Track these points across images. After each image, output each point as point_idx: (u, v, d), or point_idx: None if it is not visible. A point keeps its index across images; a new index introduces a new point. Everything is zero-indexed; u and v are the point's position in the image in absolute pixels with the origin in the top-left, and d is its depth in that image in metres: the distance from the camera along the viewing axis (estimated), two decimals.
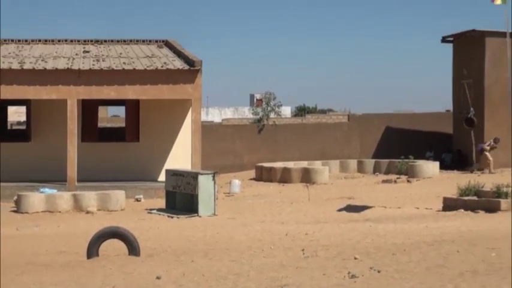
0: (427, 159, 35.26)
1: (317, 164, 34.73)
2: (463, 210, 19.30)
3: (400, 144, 36.88)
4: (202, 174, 22.08)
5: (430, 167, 31.80)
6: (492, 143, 31.85)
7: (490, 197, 19.21)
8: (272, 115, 39.53)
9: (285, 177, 32.13)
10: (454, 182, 24.13)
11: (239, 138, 37.96)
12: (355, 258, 11.58)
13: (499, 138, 31.86)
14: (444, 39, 36.75)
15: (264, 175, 33.25)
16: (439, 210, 20.34)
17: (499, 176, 27.19)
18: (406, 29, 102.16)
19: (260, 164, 34.45)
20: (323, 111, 59.69)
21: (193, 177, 22.02)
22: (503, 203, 18.61)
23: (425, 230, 15.71)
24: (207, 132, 33.93)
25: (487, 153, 31.51)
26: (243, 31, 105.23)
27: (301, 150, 37.97)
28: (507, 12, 20.22)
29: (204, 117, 47.12)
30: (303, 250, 12.89)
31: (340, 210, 21.80)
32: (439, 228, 15.98)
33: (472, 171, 31.30)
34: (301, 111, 59.10)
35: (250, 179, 33.63)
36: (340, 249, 12.91)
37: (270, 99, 40.22)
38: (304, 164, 34.75)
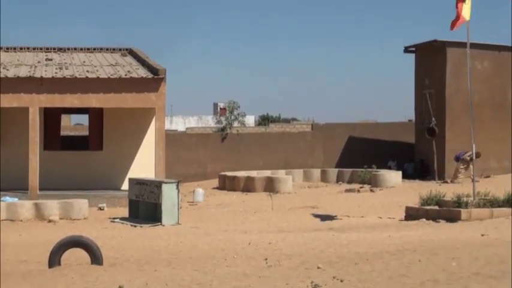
0: (390, 168, 35.53)
1: (280, 173, 34.83)
2: (424, 220, 19.43)
3: (363, 154, 37.13)
4: (165, 183, 22.02)
5: (392, 177, 32.02)
6: (471, 155, 31.54)
7: (451, 206, 19.38)
8: (236, 124, 39.58)
9: (248, 186, 32.17)
10: (416, 191, 24.30)
11: (203, 147, 37.95)
12: (318, 268, 11.62)
13: (480, 153, 31.86)
14: (406, 49, 37.04)
15: (227, 184, 33.26)
16: (401, 220, 20.47)
17: (460, 186, 27.44)
18: (369, 38, 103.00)
19: (223, 173, 34.47)
20: (287, 121, 59.88)
21: (156, 186, 21.96)
22: (464, 212, 18.78)
23: (387, 240, 15.80)
24: (171, 141, 33.88)
25: (460, 164, 31.25)
26: (208, 39, 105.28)
27: (265, 159, 38.05)
28: (468, 23, 20.37)
29: (168, 126, 47.02)
30: (266, 259, 12.91)
31: (307, 218, 21.89)
32: (401, 237, 16.08)
33: (452, 182, 31.17)
34: (264, 120, 59.27)
35: (214, 188, 33.64)
36: (303, 259, 12.95)
37: (234, 108, 40.28)
38: (267, 173, 34.84)
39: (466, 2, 19.85)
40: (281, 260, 12.78)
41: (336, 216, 22.00)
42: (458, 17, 19.94)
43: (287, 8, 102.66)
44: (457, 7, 19.93)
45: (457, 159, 31.47)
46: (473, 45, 28.61)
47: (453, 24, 20.10)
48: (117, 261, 13.44)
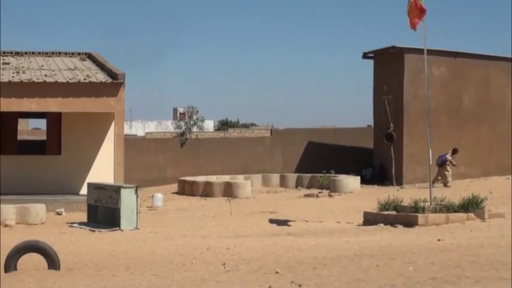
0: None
1: (239, 178, 34.86)
2: (382, 225, 19.58)
3: (322, 159, 37.30)
4: (124, 187, 21.95)
5: (351, 182, 32.21)
6: (451, 155, 31.49)
7: (408, 211, 19.57)
8: (195, 129, 39.55)
9: (207, 191, 32.17)
10: (374, 196, 24.49)
11: (162, 152, 37.85)
12: (277, 273, 11.66)
13: (457, 148, 31.84)
14: (365, 55, 37.27)
15: (186, 189, 33.23)
16: (359, 225, 20.61)
17: (417, 191, 27.68)
18: (328, 44, 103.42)
19: (183, 178, 34.42)
20: (246, 126, 59.94)
21: (115, 190, 21.88)
22: (421, 217, 18.97)
23: (346, 244, 15.90)
24: (130, 145, 33.77)
25: (448, 165, 31.20)
26: (167, 44, 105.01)
27: (224, 165, 38.06)
28: (425, 29, 20.61)
29: (127, 131, 46.93)
30: (224, 264, 12.94)
31: (265, 223, 21.95)
32: (359, 242, 16.19)
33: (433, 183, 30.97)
34: (224, 125, 59.28)
35: (173, 193, 33.57)
36: (261, 263, 12.99)
37: (193, 113, 40.24)
38: (226, 178, 34.85)
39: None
40: (239, 265, 12.81)
41: (294, 221, 22.08)
42: (415, 16, 20.15)
43: (247, 12, 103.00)
44: (414, 8, 20.16)
45: (442, 163, 31.11)
46: (431, 52, 28.89)
47: (413, 23, 20.29)
48: (74, 266, 13.37)
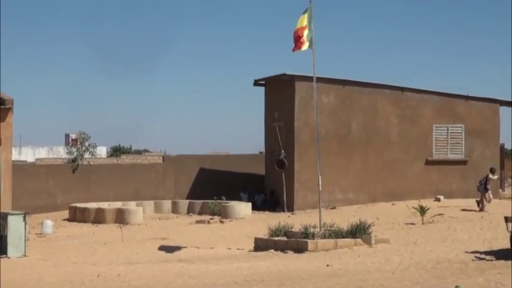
0: (241, 200, 35.90)
1: (131, 205, 34.65)
2: (273, 251, 19.81)
3: (214, 185, 37.43)
4: (12, 214, 21.58)
5: (242, 208, 32.44)
6: (492, 175, 31.11)
7: (298, 237, 19.85)
8: (87, 155, 39.13)
9: (99, 217, 31.87)
10: (265, 222, 24.73)
11: (53, 178, 37.28)
12: None
13: (494, 168, 31.58)
14: (256, 83, 37.66)
15: (77, 216, 32.82)
16: (250, 251, 20.79)
17: (307, 217, 28.10)
18: (220, 71, 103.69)
19: (74, 205, 33.99)
20: (139, 152, 59.57)
21: (2, 217, 21.49)
22: (310, 243, 19.28)
23: (236, 270, 16.05)
24: (19, 171, 33.17)
25: (489, 187, 30.68)
26: (57, 68, 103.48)
27: (116, 191, 37.77)
28: (314, 57, 21.10)
29: (16, 157, 46.01)
30: None
31: (157, 250, 21.89)
32: (249, 268, 16.36)
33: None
34: (116, 151, 58.76)
35: (64, 220, 33.11)
36: None
37: (85, 139, 39.82)
38: (118, 204, 34.59)
39: (306, 33, 20.66)
40: None
41: (186, 247, 22.11)
42: (298, 39, 20.72)
43: (134, 41, 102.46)
44: (296, 33, 20.73)
45: (485, 187, 30.59)
46: (320, 80, 29.52)
47: (296, 47, 20.87)
48: None
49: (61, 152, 51.37)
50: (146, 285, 13.97)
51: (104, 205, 33.93)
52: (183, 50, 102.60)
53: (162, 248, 22.50)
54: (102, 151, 52.55)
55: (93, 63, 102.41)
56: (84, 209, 32.85)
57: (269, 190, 36.47)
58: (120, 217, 31.20)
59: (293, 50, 21.08)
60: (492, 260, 15.99)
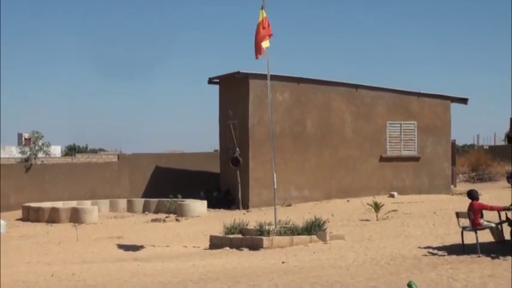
0: (201, 198, 35.79)
1: (86, 204, 34.47)
2: (228, 248, 19.88)
3: (170, 184, 37.37)
4: None
5: (198, 206, 32.44)
6: None
7: (253, 234, 19.95)
8: (41, 154, 38.84)
9: (53, 217, 31.66)
10: (221, 220, 24.78)
11: (5, 178, 36.92)
12: None
13: None
14: (211, 81, 37.68)
15: (31, 215, 32.57)
16: (206, 249, 20.83)
17: (263, 214, 28.19)
18: (175, 70, 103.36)
19: (27, 204, 33.72)
20: (94, 151, 59.33)
21: None
22: (266, 240, 19.38)
23: (191, 268, 16.09)
24: None
25: None
26: (9, 67, 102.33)
27: (71, 190, 37.55)
28: (268, 54, 21.16)
29: None
30: None
31: (112, 249, 21.82)
32: (205, 266, 16.42)
33: None
34: (71, 150, 58.43)
35: (17, 220, 32.83)
36: None
37: (38, 139, 39.51)
38: (73, 203, 34.39)
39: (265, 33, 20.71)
40: None
41: (141, 246, 22.08)
42: (259, 45, 20.74)
43: (94, 32, 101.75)
44: (257, 36, 20.75)
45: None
46: (274, 77, 29.62)
47: (257, 53, 20.88)
48: None
49: (14, 152, 50.95)
50: (101, 284, 13.94)
51: (59, 204, 33.70)
52: (137, 48, 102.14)
53: (117, 246, 22.44)
54: (56, 150, 52.21)
55: (46, 61, 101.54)
56: (38, 209, 32.61)
57: (224, 188, 36.47)
58: (75, 216, 31.02)
59: (256, 57, 21.03)
60: (444, 255, 16.23)
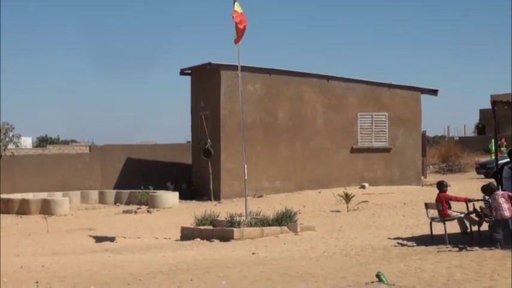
0: (168, 189, 35.86)
1: (57, 195, 34.34)
2: (199, 239, 19.91)
3: (142, 175, 37.32)
4: None
5: (169, 197, 32.41)
6: None
7: (224, 226, 19.99)
8: (11, 146, 38.58)
9: (23, 208, 31.50)
10: (192, 211, 24.79)
11: None
12: None
13: None
14: (182, 72, 37.62)
15: (1, 207, 32.36)
16: (177, 240, 20.85)
17: (234, 206, 28.25)
18: (147, 61, 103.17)
19: None
20: (66, 142, 59.08)
21: None
22: (236, 231, 19.43)
23: (162, 260, 16.11)
24: None
25: None
26: None
27: (42, 182, 37.36)
28: (239, 46, 21.17)
29: None
30: (37, 282, 12.85)
31: (83, 240, 21.76)
32: (175, 257, 16.44)
33: None
34: (43, 142, 58.14)
35: None
36: (76, 281, 13.00)
37: (8, 130, 39.21)
38: (44, 195, 34.25)
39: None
40: (53, 283, 12.76)
41: (112, 237, 22.05)
42: (240, 30, 20.77)
43: (72, 27, 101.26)
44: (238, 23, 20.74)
45: None
46: (246, 68, 29.68)
47: (238, 38, 20.90)
48: None
49: None
50: (71, 275, 13.92)
51: (29, 196, 33.56)
52: (106, 40, 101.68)
53: (88, 238, 22.40)
54: (27, 142, 51.93)
55: (22, 54, 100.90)
56: (8, 200, 32.44)
57: (196, 179, 36.43)
58: (46, 208, 30.88)
59: (235, 42, 21.04)
60: (413, 246, 16.36)
